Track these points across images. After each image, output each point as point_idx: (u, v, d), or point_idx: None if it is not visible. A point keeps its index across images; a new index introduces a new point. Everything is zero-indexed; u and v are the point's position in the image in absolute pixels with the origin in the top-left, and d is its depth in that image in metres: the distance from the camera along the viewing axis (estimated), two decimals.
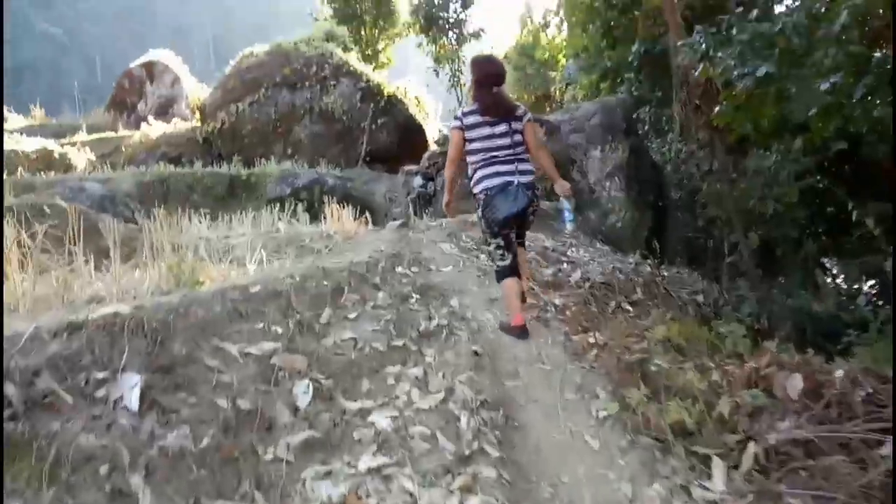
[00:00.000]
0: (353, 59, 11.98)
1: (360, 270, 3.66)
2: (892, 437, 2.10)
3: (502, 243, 3.42)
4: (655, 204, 8.02)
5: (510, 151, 3.36)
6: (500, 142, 3.35)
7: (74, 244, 4.92)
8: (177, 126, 12.90)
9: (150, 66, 19.97)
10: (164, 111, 18.53)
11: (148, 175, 8.06)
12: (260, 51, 12.72)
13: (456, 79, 15.63)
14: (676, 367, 3.55)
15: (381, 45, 16.71)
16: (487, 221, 3.43)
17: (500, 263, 3.44)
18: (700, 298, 5.53)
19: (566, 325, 3.70)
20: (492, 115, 3.35)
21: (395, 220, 8.99)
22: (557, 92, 21.41)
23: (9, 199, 5.80)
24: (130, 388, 1.94)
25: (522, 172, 3.37)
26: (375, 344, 2.85)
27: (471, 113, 3.40)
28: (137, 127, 15.49)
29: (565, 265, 5.08)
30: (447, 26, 15.12)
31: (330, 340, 2.77)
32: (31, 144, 11.72)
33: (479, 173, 3.40)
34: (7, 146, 11.36)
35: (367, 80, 11.53)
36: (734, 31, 5.12)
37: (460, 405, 2.58)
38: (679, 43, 6.48)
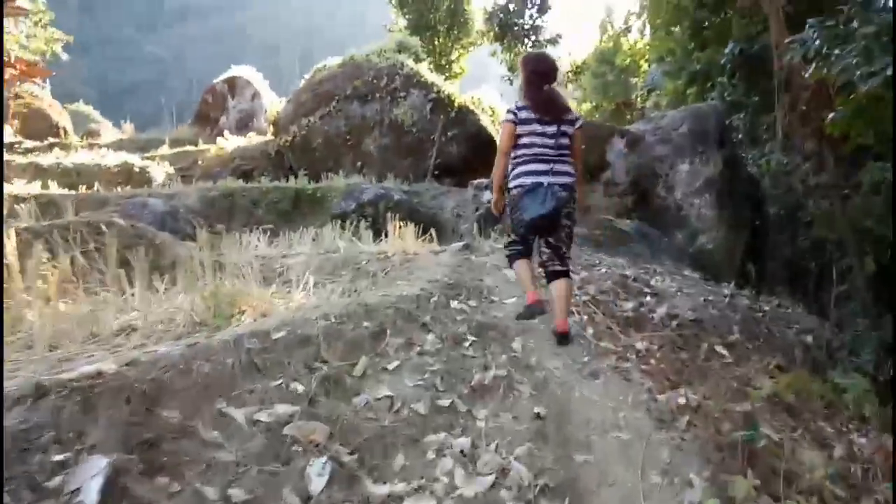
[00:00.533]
0: (425, 69, 11.70)
1: (408, 306, 3.22)
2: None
3: (518, 239, 3.51)
4: (751, 223, 7.17)
5: (552, 152, 3.35)
6: (545, 141, 3.34)
7: (126, 265, 4.76)
8: (251, 140, 13.07)
9: (232, 82, 20.63)
10: (244, 125, 19.02)
11: (214, 190, 8.02)
12: (333, 63, 12.69)
13: None
14: (789, 437, 2.88)
15: (454, 55, 16.40)
16: (513, 221, 3.46)
17: (514, 248, 3.55)
18: (809, 339, 4.73)
19: (650, 378, 3.11)
20: (542, 113, 3.33)
21: (461, 237, 8.50)
22: (639, 99, 20.42)
23: (70, 216, 5.78)
24: (92, 476, 1.56)
25: (557, 173, 3.33)
26: (416, 405, 2.39)
27: (524, 108, 3.36)
28: (217, 139, 15.92)
29: (648, 298, 4.45)
30: (522, 33, 14.61)
31: (361, 400, 2.33)
32: (113, 159, 12.14)
33: (516, 170, 3.39)
34: (91, 160, 11.81)
35: (438, 91, 11.20)
36: (855, 24, 4.35)
37: (515, 491, 2.07)
38: (787, 40, 5.70)
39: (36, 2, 20.60)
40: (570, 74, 16.98)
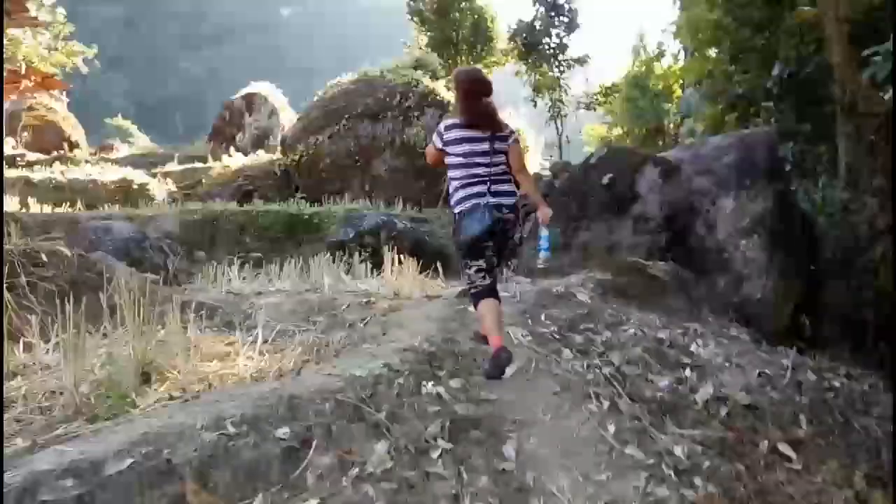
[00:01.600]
0: (442, 88, 10.96)
1: (357, 395, 2.35)
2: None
3: (483, 266, 3.29)
4: (806, 269, 6.15)
5: (486, 171, 3.27)
6: (479, 160, 3.26)
7: (65, 305, 4.01)
8: (259, 158, 12.45)
9: (250, 98, 20.22)
10: (259, 142, 18.52)
11: (196, 213, 7.29)
12: (347, 79, 12.04)
13: (557, 109, 14.25)
14: None
15: None
16: (458, 243, 3.43)
17: (480, 284, 3.30)
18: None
19: None
20: (478, 128, 3.24)
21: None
22: (671, 125, 19.47)
23: (15, 241, 5.04)
24: None
25: (495, 194, 3.27)
26: None
27: (454, 127, 3.27)
28: (241, 153, 15.36)
29: (688, 372, 3.51)
30: (548, 52, 13.83)
31: None
32: (111, 175, 11.59)
33: (458, 193, 3.31)
34: (87, 176, 11.25)
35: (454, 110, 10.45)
36: None
37: None
38: (852, 62, 4.78)
39: (56, 14, 20.52)
40: (598, 97, 16.12)
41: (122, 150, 18.65)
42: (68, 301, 4.01)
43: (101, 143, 20.03)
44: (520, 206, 3.40)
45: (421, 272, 7.27)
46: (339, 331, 4.24)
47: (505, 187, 3.31)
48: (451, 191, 3.36)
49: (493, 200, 3.24)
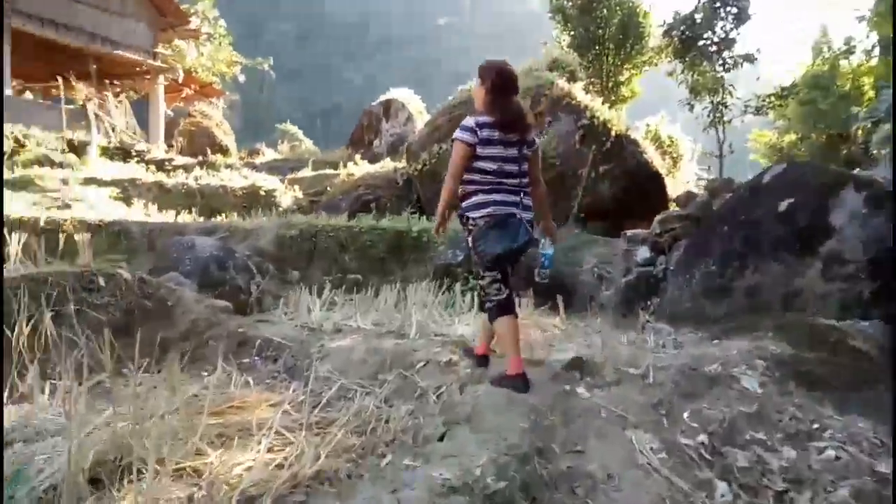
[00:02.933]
0: (579, 90, 9.69)
1: None
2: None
3: (499, 276, 3.11)
4: None
5: (517, 181, 3.09)
6: (509, 167, 3.06)
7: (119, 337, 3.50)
8: (383, 166, 11.95)
9: (388, 104, 20.12)
10: (394, 149, 18.28)
11: (293, 228, 6.72)
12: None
13: (718, 113, 12.30)
14: None
15: (623, 76, 14.10)
16: (480, 254, 3.11)
17: (496, 298, 3.13)
18: None
19: None
20: (509, 130, 3.04)
21: (598, 307, 6.43)
22: (861, 131, 16.39)
23: (85, 258, 4.65)
24: None
25: (526, 207, 3.13)
26: None
27: (487, 126, 3.02)
28: (375, 160, 15.14)
29: None
30: (710, 48, 11.95)
31: None
32: (240, 181, 11.65)
33: (481, 197, 3.06)
34: (215, 182, 11.37)
35: (593, 116, 9.12)
36: None
37: None
38: None
39: (217, 26, 21.93)
40: (771, 99, 13.81)
41: (266, 155, 19.32)
42: (117, 334, 3.41)
43: (251, 148, 20.99)
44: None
45: (537, 305, 6.16)
46: (404, 401, 3.29)
47: (530, 201, 3.17)
48: (468, 193, 3.10)
49: (525, 216, 3.10)
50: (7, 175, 9.71)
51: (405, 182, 10.91)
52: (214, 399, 3.29)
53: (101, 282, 4.20)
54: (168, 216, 9.08)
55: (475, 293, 6.06)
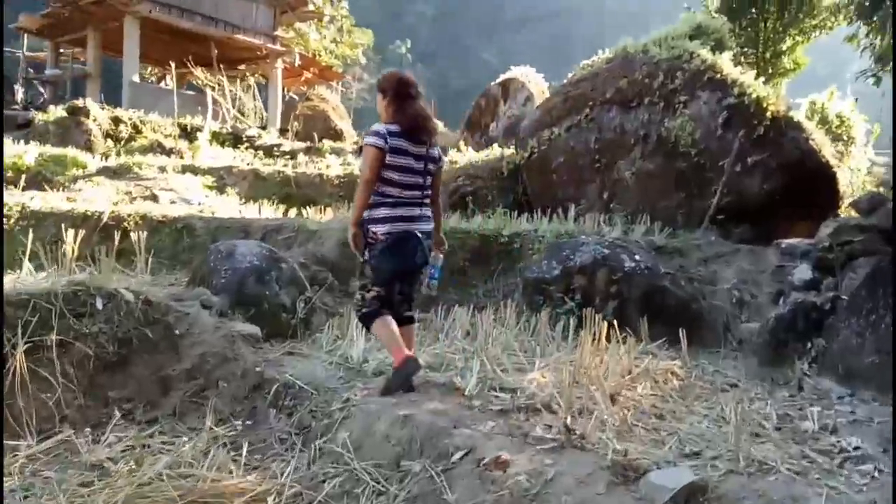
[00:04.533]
0: (726, 61, 7.92)
1: None
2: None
3: (383, 294, 3.20)
4: None
5: (420, 193, 3.17)
6: (414, 179, 3.13)
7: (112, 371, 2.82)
8: (490, 153, 10.83)
9: (506, 84, 18.87)
10: (511, 132, 17.07)
11: None
12: (602, 57, 9.65)
13: None
14: None
15: (786, 43, 11.82)
16: (375, 270, 3.17)
17: (367, 309, 3.22)
18: None
19: None
20: (416, 138, 3.10)
21: (737, 343, 5.23)
22: None
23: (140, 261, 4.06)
24: None
25: (424, 219, 3.21)
26: None
27: (395, 134, 3.06)
28: (487, 147, 14.11)
29: None
30: None
31: None
32: (337, 169, 11.10)
33: (383, 211, 3.11)
34: (312, 170, 10.90)
35: (742, 93, 7.37)
36: None
37: None
38: None
39: (339, 8, 21.81)
40: None
41: None
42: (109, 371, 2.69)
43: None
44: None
45: (654, 337, 4.83)
46: None
47: (429, 212, 3.25)
48: (372, 204, 3.11)
49: (424, 229, 3.17)
50: (109, 162, 9.81)
51: (511, 172, 9.73)
52: (179, 485, 2.45)
53: (99, 303, 3.54)
54: (252, 208, 8.66)
55: (567, 318, 4.86)
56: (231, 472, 2.68)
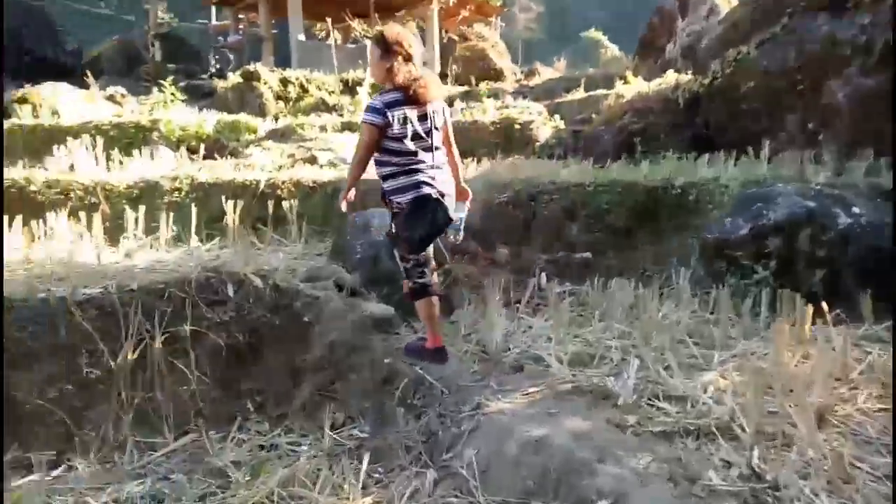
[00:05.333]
0: None
1: None
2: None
3: (422, 260, 3.24)
4: None
5: (430, 155, 3.10)
6: (422, 143, 3.07)
7: (236, 365, 2.81)
8: (662, 81, 9.48)
9: None
10: (689, 54, 15.10)
11: (507, 188, 5.25)
12: None
13: None
14: None
15: None
16: (402, 240, 3.17)
17: (419, 281, 3.27)
18: None
19: None
20: (420, 101, 3.01)
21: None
22: None
23: (226, 260, 4.02)
24: None
25: (443, 180, 3.15)
26: None
27: (395, 103, 2.98)
28: (662, 74, 12.60)
29: None
30: None
31: None
32: (493, 113, 10.51)
33: (398, 181, 3.08)
34: (466, 117, 10.41)
35: None
36: None
37: None
38: None
39: None
40: None
41: (542, 75, 17.85)
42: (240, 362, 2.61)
43: (530, 68, 19.70)
44: None
45: (879, 321, 3.80)
46: None
47: (444, 174, 3.19)
48: (387, 175, 3.12)
49: (443, 189, 3.12)
50: (278, 124, 10.19)
51: (688, 103, 8.42)
52: None
53: (230, 290, 3.46)
54: None
55: (758, 292, 3.97)
56: (348, 498, 2.41)
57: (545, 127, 10.38)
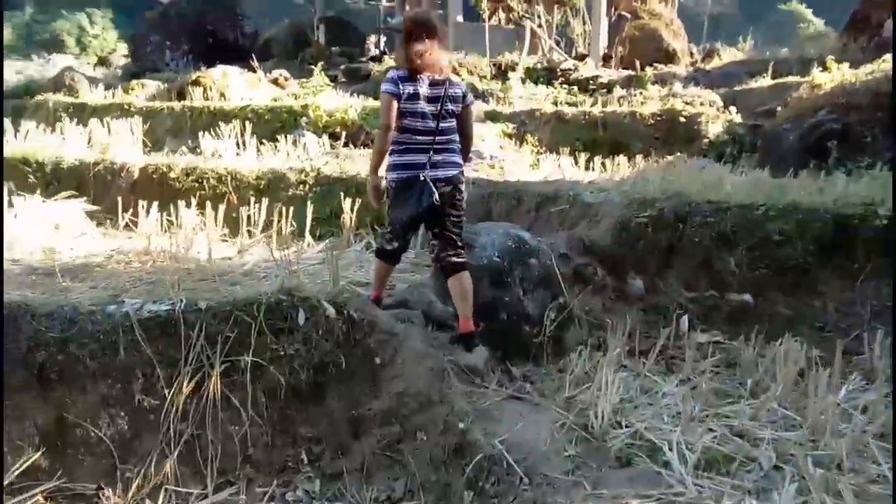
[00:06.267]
0: None
1: None
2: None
3: (396, 244, 3.38)
4: None
5: (430, 139, 3.15)
6: (423, 124, 3.14)
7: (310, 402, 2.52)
8: (873, 69, 7.72)
9: None
10: None
11: (647, 206, 4.33)
12: None
13: None
14: None
15: None
16: (391, 220, 3.32)
17: (387, 248, 3.41)
18: None
19: None
20: (425, 72, 3.09)
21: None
22: None
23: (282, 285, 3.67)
24: None
25: (436, 165, 3.17)
26: None
27: (405, 78, 3.11)
28: (875, 59, 10.52)
29: None
30: None
31: None
32: (654, 103, 9.35)
33: (393, 158, 3.22)
34: (623, 108, 9.36)
35: None
36: None
37: None
38: None
39: None
40: None
41: (723, 58, 15.89)
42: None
43: (708, 49, 17.67)
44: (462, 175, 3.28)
45: None
46: None
47: (450, 157, 3.22)
48: (390, 153, 3.21)
49: (438, 174, 3.15)
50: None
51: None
52: None
53: (301, 318, 3.10)
54: (548, 161, 7.76)
55: None
56: None
57: (718, 120, 9.03)
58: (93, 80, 14.52)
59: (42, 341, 2.83)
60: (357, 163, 7.10)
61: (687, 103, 9.39)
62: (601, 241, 4.23)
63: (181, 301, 3.11)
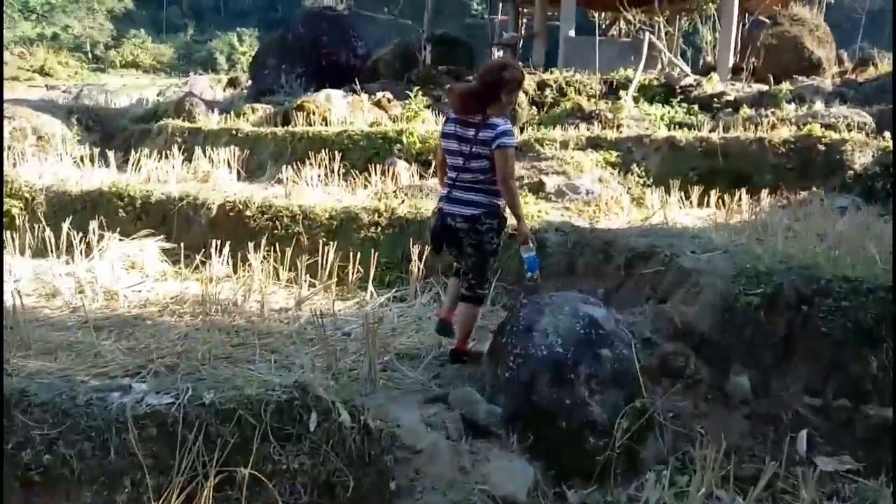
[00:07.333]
0: None
1: None
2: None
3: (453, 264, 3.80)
4: None
5: (455, 175, 3.35)
6: (454, 161, 3.36)
7: None
8: None
9: None
10: None
11: (762, 280, 3.43)
12: None
13: None
14: None
15: None
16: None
17: (478, 291, 3.57)
18: None
19: None
20: (465, 122, 3.26)
21: None
22: None
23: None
24: None
25: (454, 201, 3.37)
26: None
27: (449, 119, 3.46)
28: None
29: None
30: None
31: None
32: (784, 129, 8.12)
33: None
34: (748, 133, 8.20)
35: None
36: None
37: None
38: None
39: None
40: None
41: (883, 66, 13.86)
42: None
43: (862, 56, 15.57)
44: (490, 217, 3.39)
45: None
46: None
47: (470, 196, 3.34)
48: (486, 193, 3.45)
49: (455, 210, 3.36)
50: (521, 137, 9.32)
51: None
52: None
53: (312, 423, 2.67)
54: (652, 198, 6.93)
55: None
56: None
57: (866, 148, 7.67)
58: (215, 104, 15.29)
59: (30, 440, 2.60)
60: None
61: (828, 126, 8.08)
62: (698, 322, 3.46)
63: (187, 391, 2.78)
